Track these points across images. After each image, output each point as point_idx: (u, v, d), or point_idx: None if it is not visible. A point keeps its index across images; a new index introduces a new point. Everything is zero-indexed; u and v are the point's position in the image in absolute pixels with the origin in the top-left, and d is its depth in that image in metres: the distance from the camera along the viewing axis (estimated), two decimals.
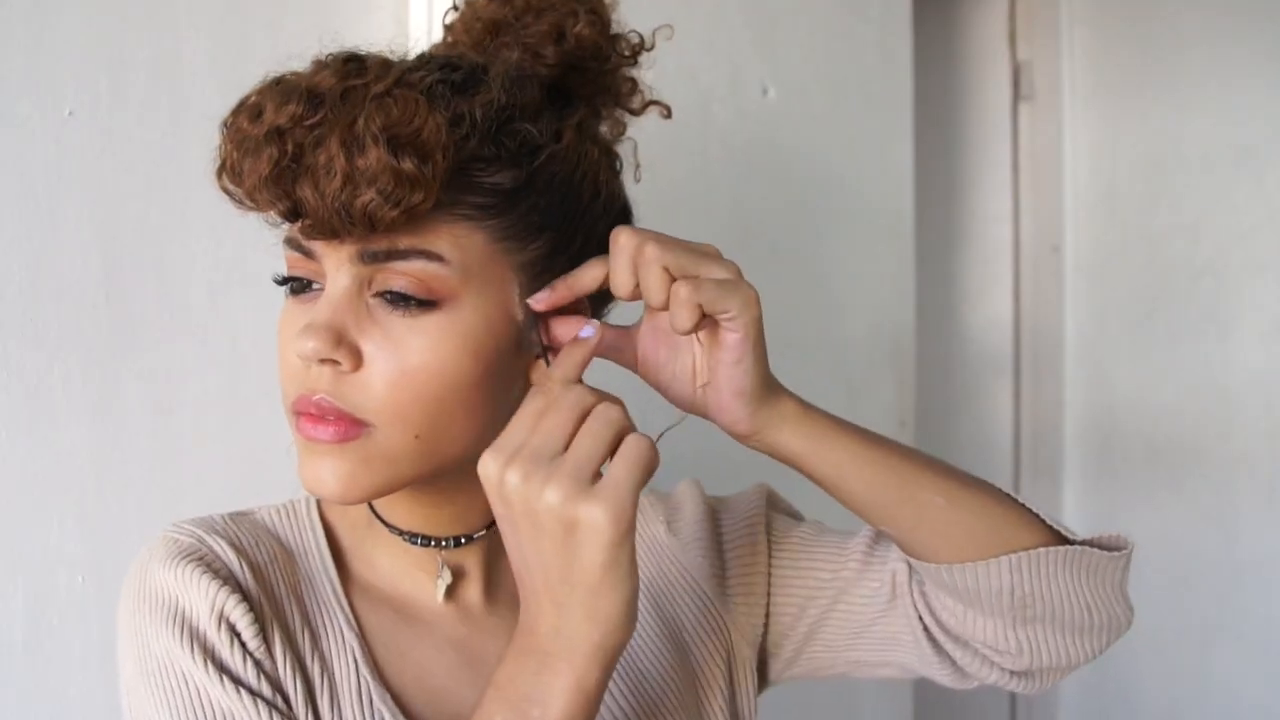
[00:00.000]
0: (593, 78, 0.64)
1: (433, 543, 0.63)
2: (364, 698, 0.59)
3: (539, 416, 0.53)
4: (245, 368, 0.90)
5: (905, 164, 1.53)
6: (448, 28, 0.67)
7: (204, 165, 0.88)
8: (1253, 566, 1.83)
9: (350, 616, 0.62)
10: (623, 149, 0.68)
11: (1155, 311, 1.95)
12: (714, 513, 0.77)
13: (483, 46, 0.63)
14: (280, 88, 0.53)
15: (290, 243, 0.57)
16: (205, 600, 0.56)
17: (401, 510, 0.63)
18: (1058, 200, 2.06)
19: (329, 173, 0.51)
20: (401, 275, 0.54)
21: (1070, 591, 0.63)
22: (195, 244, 0.88)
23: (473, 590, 0.65)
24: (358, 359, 0.54)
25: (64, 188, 0.82)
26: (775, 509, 0.78)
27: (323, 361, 0.54)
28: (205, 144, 0.88)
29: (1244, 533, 1.84)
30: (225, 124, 0.55)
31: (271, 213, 0.54)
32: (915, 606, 0.69)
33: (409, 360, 0.55)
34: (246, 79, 0.89)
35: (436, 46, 0.66)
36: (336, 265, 0.55)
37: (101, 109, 0.83)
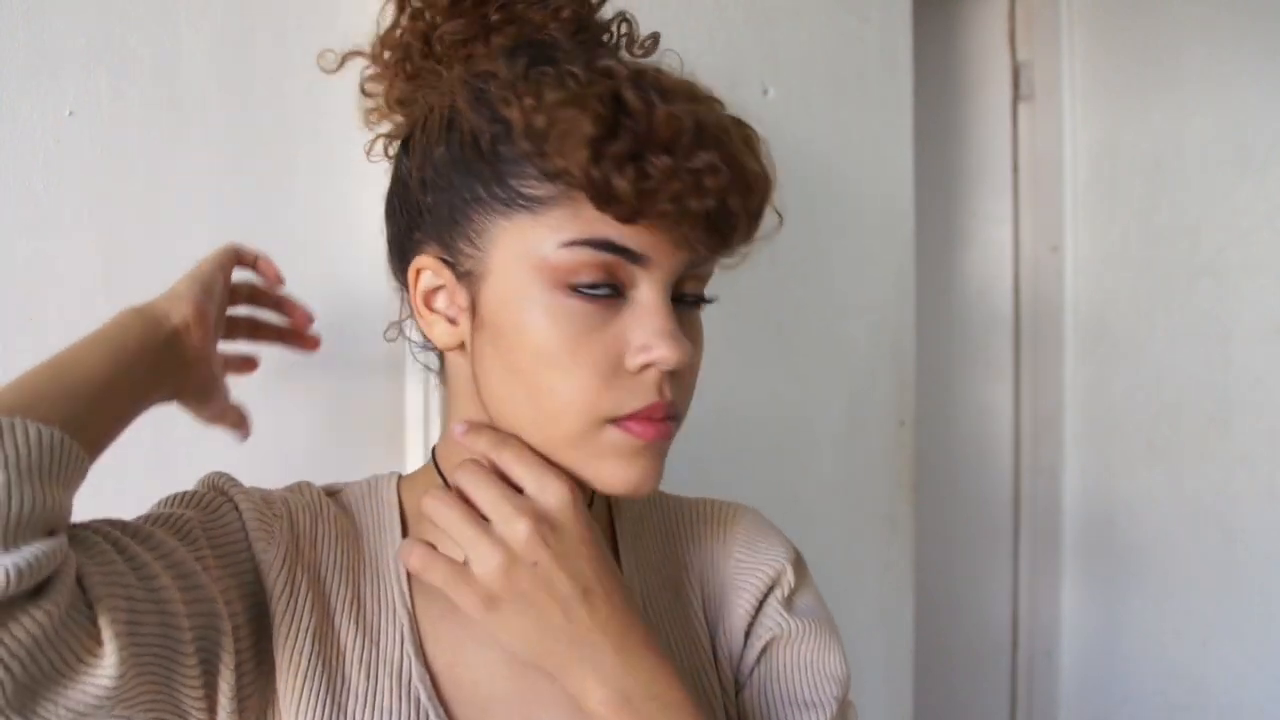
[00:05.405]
0: None
1: None
2: (404, 673, 0.61)
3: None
4: None
5: (905, 164, 1.53)
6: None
7: (204, 164, 0.88)
8: (1253, 566, 1.83)
9: (406, 596, 0.63)
10: None
11: (1155, 311, 1.95)
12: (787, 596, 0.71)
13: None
14: (688, 120, 0.54)
15: (607, 245, 0.54)
16: (245, 499, 0.64)
17: None
18: (1058, 200, 2.06)
19: (757, 184, 0.56)
20: (703, 280, 0.59)
21: None
22: (195, 244, 0.87)
23: None
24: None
25: (64, 188, 0.82)
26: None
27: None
28: (205, 144, 0.89)
29: (1244, 533, 1.84)
30: (679, 154, 0.53)
31: (678, 221, 0.53)
32: None
33: (698, 355, 0.59)
34: (247, 79, 0.89)
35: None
36: (668, 271, 0.56)
37: (102, 109, 0.83)
